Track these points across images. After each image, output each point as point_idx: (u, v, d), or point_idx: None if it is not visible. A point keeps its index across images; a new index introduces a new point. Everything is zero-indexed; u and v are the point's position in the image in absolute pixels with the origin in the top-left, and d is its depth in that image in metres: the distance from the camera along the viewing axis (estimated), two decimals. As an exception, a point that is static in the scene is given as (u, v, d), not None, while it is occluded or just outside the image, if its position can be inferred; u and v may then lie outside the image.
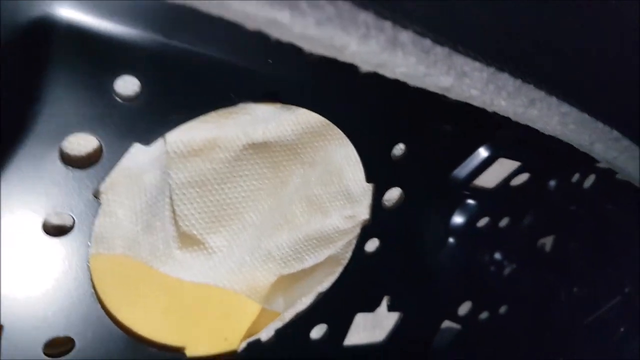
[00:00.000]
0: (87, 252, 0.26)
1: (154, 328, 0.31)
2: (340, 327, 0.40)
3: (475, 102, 0.24)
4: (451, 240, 0.45)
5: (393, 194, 0.38)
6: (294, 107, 0.29)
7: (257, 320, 0.36)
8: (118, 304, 0.30)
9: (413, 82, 0.21)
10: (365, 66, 0.19)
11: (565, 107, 0.26)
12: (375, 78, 0.22)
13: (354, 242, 0.37)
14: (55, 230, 0.26)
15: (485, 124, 0.37)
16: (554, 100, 0.25)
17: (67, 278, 0.27)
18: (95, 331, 0.29)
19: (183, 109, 0.25)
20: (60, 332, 0.28)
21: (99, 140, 0.24)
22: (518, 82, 0.23)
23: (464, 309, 0.52)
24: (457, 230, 0.45)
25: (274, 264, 0.35)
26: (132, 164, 0.26)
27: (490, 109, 0.25)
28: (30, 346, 0.27)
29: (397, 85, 0.25)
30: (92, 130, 0.24)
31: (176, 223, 0.29)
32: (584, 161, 0.46)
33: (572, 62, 0.27)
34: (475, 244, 0.47)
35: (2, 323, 0.26)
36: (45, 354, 0.28)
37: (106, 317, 0.29)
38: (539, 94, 0.24)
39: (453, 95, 0.23)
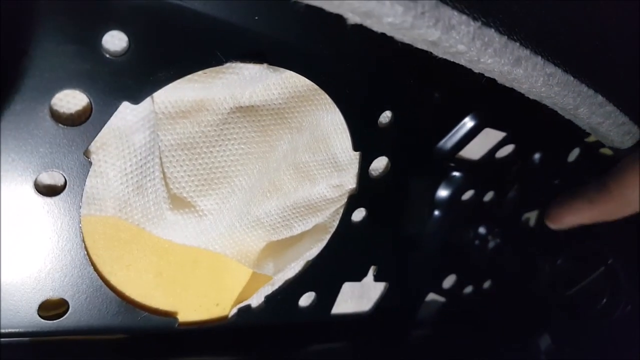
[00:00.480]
0: (79, 214, 0.27)
1: (147, 292, 0.32)
2: (328, 295, 0.41)
3: (462, 59, 0.24)
4: (436, 213, 0.46)
5: (379, 164, 0.38)
6: (280, 69, 0.29)
7: (247, 287, 0.37)
8: (110, 267, 0.30)
9: (400, 35, 0.22)
10: (352, 16, 0.20)
11: (551, 68, 0.27)
12: (362, 36, 0.23)
13: (341, 211, 0.38)
14: (47, 190, 0.26)
15: (471, 91, 0.38)
16: (539, 60, 0.26)
17: (59, 239, 0.27)
18: (89, 294, 0.29)
19: (170, 67, 0.25)
20: (53, 294, 0.28)
21: (88, 97, 0.24)
22: (504, 39, 0.24)
23: (448, 282, 0.53)
24: (442, 203, 0.46)
25: (263, 230, 0.35)
26: (122, 123, 0.27)
27: (476, 67, 0.25)
28: (25, 307, 0.27)
29: (385, 47, 0.25)
30: (81, 86, 0.24)
31: (167, 185, 0.29)
32: (569, 134, 0.46)
33: (557, 21, 0.28)
34: (460, 218, 0.48)
35: (-4, 282, 0.26)
36: (40, 316, 0.28)
37: (99, 279, 0.29)
38: (525, 53, 0.25)
39: (440, 51, 0.23)
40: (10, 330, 0.28)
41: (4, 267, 0.26)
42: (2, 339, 0.28)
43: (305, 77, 0.30)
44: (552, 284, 0.60)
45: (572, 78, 0.28)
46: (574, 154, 0.52)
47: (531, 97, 0.29)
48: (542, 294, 0.61)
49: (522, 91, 0.29)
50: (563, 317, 0.60)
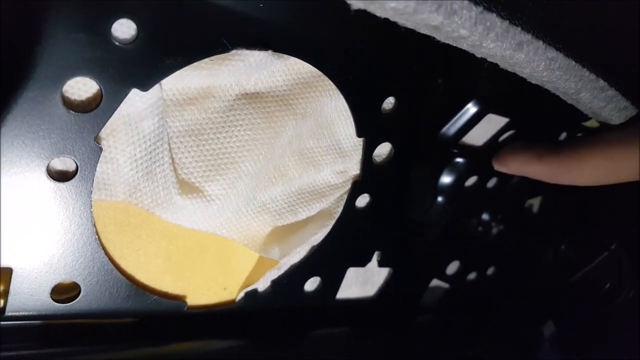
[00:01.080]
0: (90, 199, 0.27)
1: (156, 276, 0.32)
2: (333, 280, 0.42)
3: (465, 44, 0.24)
4: (440, 199, 0.46)
5: (383, 150, 0.39)
6: (285, 56, 0.30)
7: (253, 271, 0.37)
8: (121, 252, 0.30)
9: (403, 20, 0.22)
10: (355, 2, 0.20)
11: (552, 52, 0.27)
12: (365, 22, 0.23)
13: (346, 197, 0.38)
14: (59, 175, 0.26)
15: (474, 77, 0.38)
16: (540, 44, 0.26)
17: (71, 224, 0.27)
18: (100, 277, 0.29)
19: (178, 54, 0.26)
20: (65, 277, 0.28)
21: (98, 84, 0.25)
22: (505, 23, 0.24)
23: (452, 268, 0.53)
24: (445, 189, 0.46)
25: (268, 216, 0.36)
26: (131, 110, 0.27)
27: (479, 52, 0.26)
28: (38, 291, 0.28)
29: (388, 33, 0.25)
30: (91, 74, 0.24)
31: (175, 170, 0.30)
32: (571, 119, 0.47)
33: (558, 5, 0.28)
34: (464, 204, 0.48)
35: (10, 266, 0.27)
36: (53, 299, 0.29)
37: (110, 263, 0.29)
38: (527, 37, 0.25)
39: (442, 35, 0.23)
40: (23, 313, 0.28)
41: (17, 252, 0.27)
42: (16, 322, 0.29)
43: (309, 63, 0.31)
44: (555, 270, 0.60)
45: (573, 62, 0.29)
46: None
47: (533, 81, 0.30)
48: (545, 281, 0.61)
49: (524, 76, 0.29)
50: (567, 304, 0.60)
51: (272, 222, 0.36)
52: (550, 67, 0.28)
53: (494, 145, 0.45)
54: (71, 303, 0.29)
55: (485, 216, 0.53)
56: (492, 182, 0.50)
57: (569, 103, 0.33)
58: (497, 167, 0.42)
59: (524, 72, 0.28)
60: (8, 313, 0.28)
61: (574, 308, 0.61)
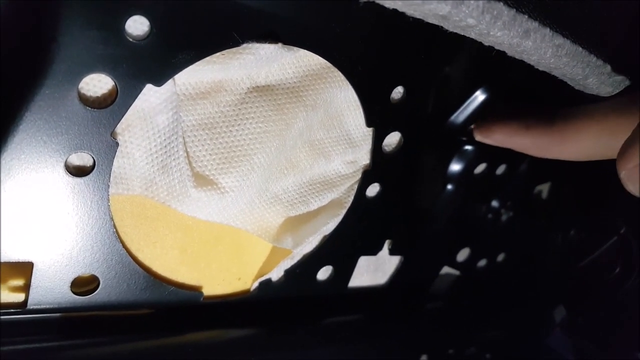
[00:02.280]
0: (107, 193, 0.28)
1: (172, 268, 0.33)
2: (345, 268, 0.42)
3: (472, 33, 0.25)
4: (449, 187, 0.47)
5: (392, 139, 0.39)
6: (295, 48, 0.30)
7: (267, 261, 0.38)
8: (138, 244, 0.31)
9: (411, 10, 0.22)
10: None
11: (559, 39, 0.27)
12: (374, 13, 0.23)
13: (356, 186, 0.39)
14: (76, 171, 0.27)
15: (482, 65, 0.38)
16: (547, 31, 0.26)
17: (89, 218, 0.28)
18: (118, 270, 0.30)
19: (190, 49, 0.26)
20: (85, 270, 0.29)
21: (113, 81, 0.25)
22: (512, 11, 0.24)
23: (462, 255, 0.54)
24: (454, 177, 0.46)
25: (281, 206, 0.36)
26: (146, 105, 0.28)
27: (486, 40, 0.26)
28: (59, 284, 0.29)
29: (396, 22, 0.26)
30: (106, 70, 0.25)
31: (190, 163, 0.31)
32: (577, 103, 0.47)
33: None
34: (473, 191, 0.49)
35: (31, 261, 0.28)
36: (73, 292, 0.29)
37: (128, 256, 0.30)
38: (533, 25, 0.25)
39: (450, 25, 0.24)
40: (45, 306, 0.29)
41: (38, 246, 0.28)
42: (37, 315, 0.30)
43: (318, 55, 0.31)
44: (565, 256, 0.60)
45: (580, 48, 0.29)
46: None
47: (540, 68, 0.30)
48: (555, 266, 0.61)
49: (532, 63, 0.29)
50: (576, 288, 0.61)
51: (285, 213, 0.37)
52: (557, 54, 0.28)
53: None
54: (90, 295, 0.30)
55: (494, 203, 0.53)
56: (501, 169, 0.50)
57: (577, 89, 0.34)
58: (480, 137, 0.39)
59: (532, 59, 0.28)
60: (30, 306, 0.29)
61: (583, 293, 0.61)
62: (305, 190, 0.37)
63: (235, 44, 0.28)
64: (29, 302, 0.29)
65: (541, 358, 0.64)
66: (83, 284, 0.30)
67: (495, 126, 0.38)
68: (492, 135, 0.38)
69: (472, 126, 0.41)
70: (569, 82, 0.33)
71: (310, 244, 0.38)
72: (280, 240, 0.36)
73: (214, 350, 0.36)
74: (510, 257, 0.58)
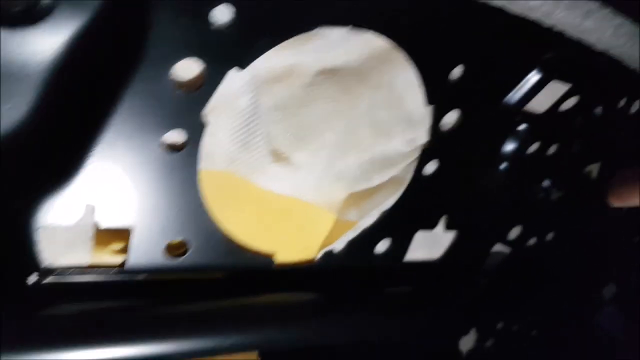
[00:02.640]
0: (197, 167, 0.31)
1: (249, 236, 0.36)
2: (402, 242, 0.44)
3: (535, 14, 0.26)
4: (503, 165, 0.48)
5: (450, 118, 0.41)
6: (361, 31, 0.32)
7: (330, 234, 0.41)
8: (221, 214, 0.34)
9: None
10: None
11: (619, 19, 0.28)
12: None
13: (415, 164, 0.41)
14: (171, 147, 0.30)
15: (538, 44, 0.39)
16: (607, 12, 0.28)
17: (182, 190, 0.31)
18: (205, 236, 0.33)
19: (269, 34, 0.29)
20: (177, 236, 0.33)
21: (203, 65, 0.28)
22: (575, -7, 0.26)
23: (514, 233, 0.55)
24: (508, 156, 0.48)
25: (345, 183, 0.39)
26: (229, 89, 0.30)
27: (547, 21, 0.27)
28: (154, 248, 0.32)
29: (458, 3, 0.27)
30: (197, 54, 0.27)
31: (267, 141, 0.33)
32: (631, 86, 0.47)
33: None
34: (526, 170, 0.50)
35: (131, 226, 0.31)
36: (165, 256, 0.33)
37: (214, 224, 0.33)
38: (595, 5, 0.27)
39: (516, 7, 0.25)
40: (140, 267, 0.33)
41: (136, 214, 0.31)
42: (132, 276, 0.33)
43: (385, 36, 0.33)
44: (616, 234, 0.60)
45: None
46: (636, 106, 0.53)
47: (599, 47, 0.31)
48: (605, 244, 0.62)
49: (590, 42, 0.30)
50: (629, 265, 0.61)
51: (349, 188, 0.39)
52: (616, 34, 0.29)
53: (555, 112, 0.47)
54: (181, 259, 0.33)
55: (546, 182, 0.54)
56: (553, 149, 0.51)
57: (631, 68, 0.35)
58: (617, 203, 0.43)
59: (591, 39, 0.30)
60: (127, 267, 0.32)
61: (636, 271, 0.61)
62: (367, 168, 0.39)
63: (310, 28, 0.30)
64: (127, 264, 0.32)
65: (588, 336, 0.65)
66: (174, 249, 0.33)
67: (629, 192, 0.43)
68: (627, 202, 0.43)
69: (609, 193, 0.43)
70: (626, 61, 0.34)
71: (370, 218, 0.40)
72: (345, 213, 0.39)
73: (283, 310, 0.39)
74: (560, 235, 0.59)
